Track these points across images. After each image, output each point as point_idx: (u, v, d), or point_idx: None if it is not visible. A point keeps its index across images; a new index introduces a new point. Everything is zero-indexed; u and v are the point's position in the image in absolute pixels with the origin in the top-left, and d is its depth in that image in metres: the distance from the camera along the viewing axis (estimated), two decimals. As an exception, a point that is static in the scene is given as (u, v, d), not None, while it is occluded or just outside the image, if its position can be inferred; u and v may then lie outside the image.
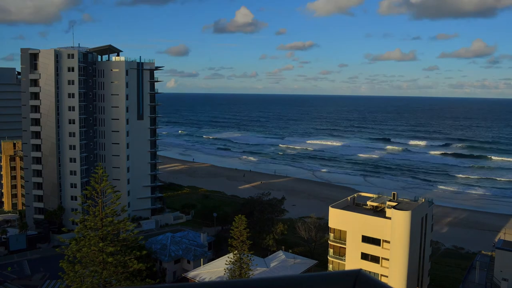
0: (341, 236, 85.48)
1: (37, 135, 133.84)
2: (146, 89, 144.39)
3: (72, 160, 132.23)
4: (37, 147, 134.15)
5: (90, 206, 72.30)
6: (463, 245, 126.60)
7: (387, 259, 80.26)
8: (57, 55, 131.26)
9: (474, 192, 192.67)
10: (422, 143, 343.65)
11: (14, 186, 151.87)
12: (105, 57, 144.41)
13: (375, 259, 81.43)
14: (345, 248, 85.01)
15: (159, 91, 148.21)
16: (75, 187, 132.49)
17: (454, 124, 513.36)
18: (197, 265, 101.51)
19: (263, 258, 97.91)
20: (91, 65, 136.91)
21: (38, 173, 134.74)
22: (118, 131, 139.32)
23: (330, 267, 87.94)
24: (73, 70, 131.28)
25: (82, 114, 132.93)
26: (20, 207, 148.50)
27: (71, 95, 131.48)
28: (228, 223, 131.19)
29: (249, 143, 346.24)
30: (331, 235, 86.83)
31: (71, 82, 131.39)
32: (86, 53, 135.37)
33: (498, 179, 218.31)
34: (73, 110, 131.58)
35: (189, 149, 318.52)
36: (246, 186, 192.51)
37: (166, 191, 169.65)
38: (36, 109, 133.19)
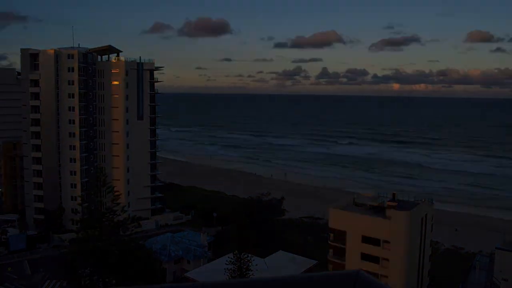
0: (341, 236, 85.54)
1: (37, 135, 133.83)
2: (146, 90, 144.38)
3: (72, 160, 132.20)
4: (37, 147, 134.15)
5: (90, 206, 72.45)
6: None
7: (387, 259, 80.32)
8: (57, 56, 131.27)
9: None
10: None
11: (14, 186, 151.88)
12: (105, 57, 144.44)
13: (375, 259, 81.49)
14: (345, 248, 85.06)
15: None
16: (75, 187, 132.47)
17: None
18: (197, 265, 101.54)
19: (263, 258, 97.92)
20: (91, 65, 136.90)
21: (38, 173, 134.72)
22: (117, 132, 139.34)
23: (330, 267, 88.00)
24: (73, 70, 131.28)
25: (82, 114, 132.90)
26: (20, 207, 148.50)
27: (71, 95, 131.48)
28: (228, 223, 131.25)
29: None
30: (331, 235, 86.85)
31: (71, 82, 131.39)
32: (86, 53, 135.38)
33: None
34: (73, 110, 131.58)
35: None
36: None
37: (166, 191, 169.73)
38: (36, 109, 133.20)
